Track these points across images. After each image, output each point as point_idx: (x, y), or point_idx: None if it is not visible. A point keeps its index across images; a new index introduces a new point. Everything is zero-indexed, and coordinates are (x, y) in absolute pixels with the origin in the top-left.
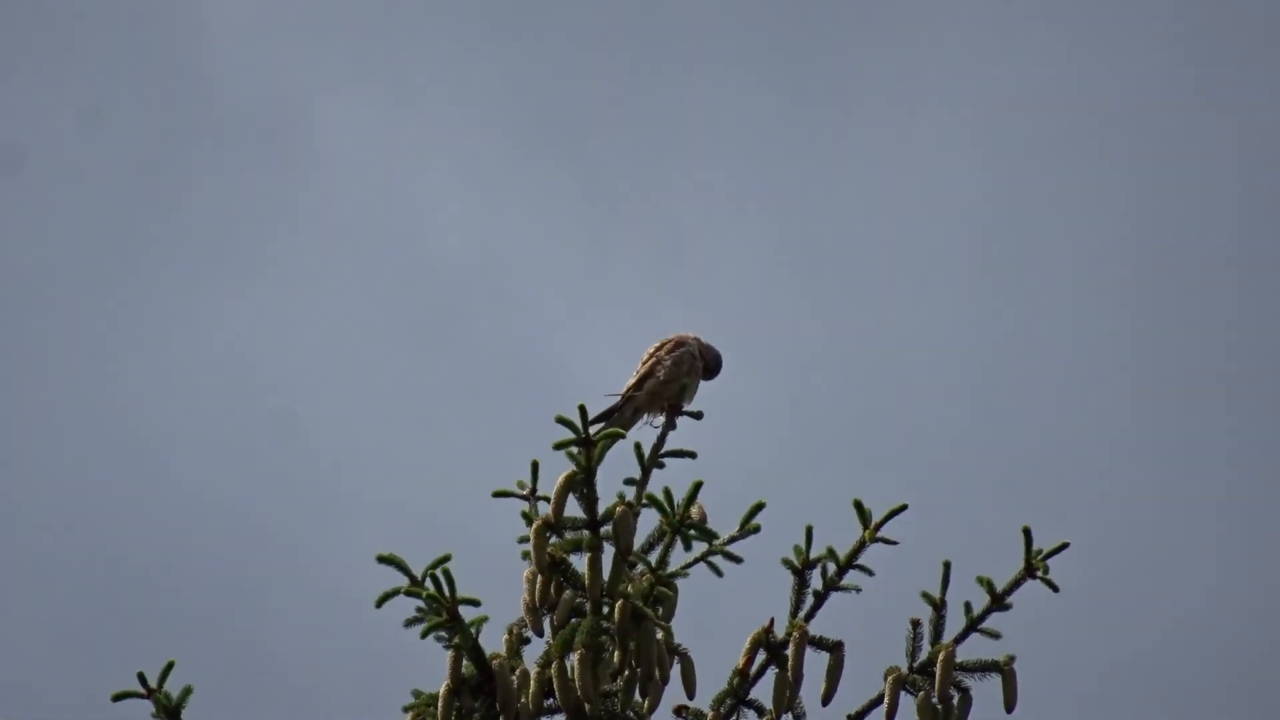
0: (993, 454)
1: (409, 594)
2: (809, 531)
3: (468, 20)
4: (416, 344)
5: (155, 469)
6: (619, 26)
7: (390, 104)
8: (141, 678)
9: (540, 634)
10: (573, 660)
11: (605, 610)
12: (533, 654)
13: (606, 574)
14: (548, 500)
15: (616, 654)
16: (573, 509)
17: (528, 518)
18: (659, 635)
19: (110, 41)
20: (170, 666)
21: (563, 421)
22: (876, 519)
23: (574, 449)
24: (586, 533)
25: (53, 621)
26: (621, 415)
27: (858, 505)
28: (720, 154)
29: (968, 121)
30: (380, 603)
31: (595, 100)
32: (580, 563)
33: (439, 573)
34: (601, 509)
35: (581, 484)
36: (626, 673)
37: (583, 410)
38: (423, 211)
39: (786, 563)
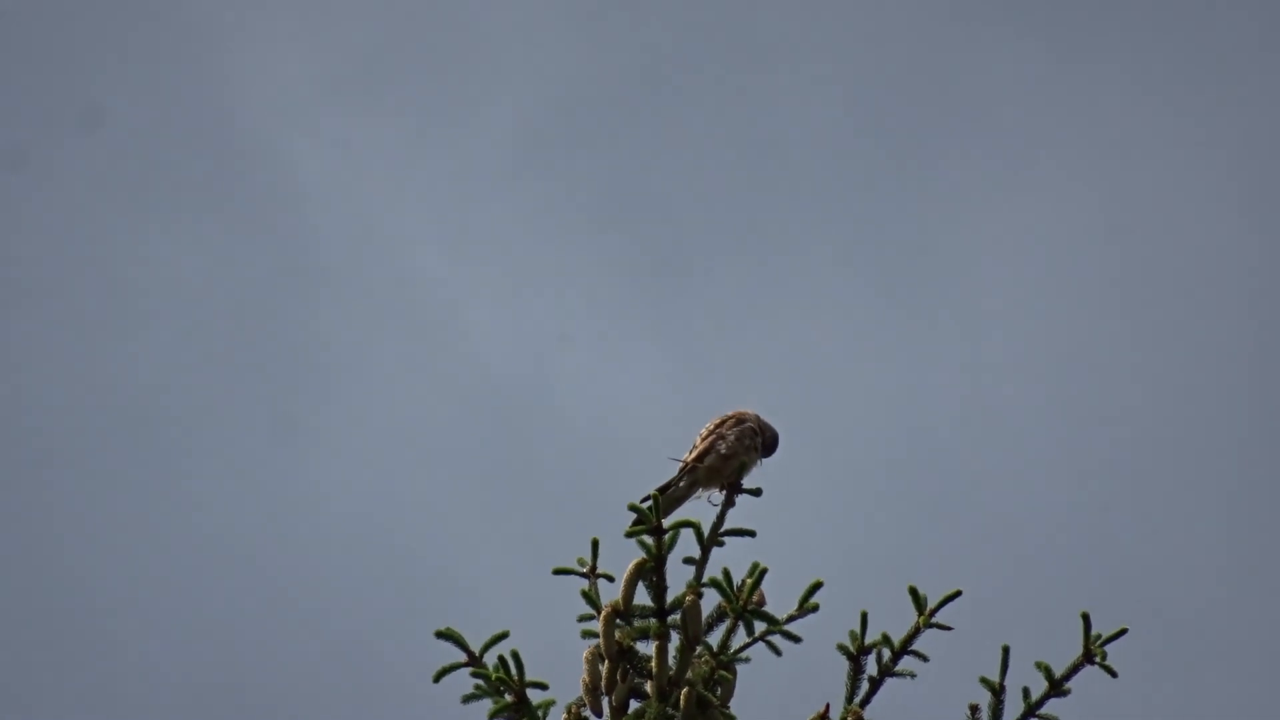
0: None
1: (475, 674)
2: (864, 617)
3: (563, 154)
4: (532, 488)
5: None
6: (714, 154)
7: (484, 249)
8: None
9: (599, 714)
10: None
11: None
12: None
13: (673, 661)
14: (608, 578)
15: None
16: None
17: (588, 596)
18: None
19: (220, 203)
20: None
21: (635, 509)
22: (931, 605)
23: (645, 538)
24: (654, 621)
25: None
26: (678, 489)
27: (913, 591)
28: (823, 288)
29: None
30: (439, 677)
31: (699, 232)
32: (645, 647)
33: (507, 654)
34: (669, 596)
35: (651, 572)
36: None
37: (656, 499)
38: (526, 355)
39: (842, 648)
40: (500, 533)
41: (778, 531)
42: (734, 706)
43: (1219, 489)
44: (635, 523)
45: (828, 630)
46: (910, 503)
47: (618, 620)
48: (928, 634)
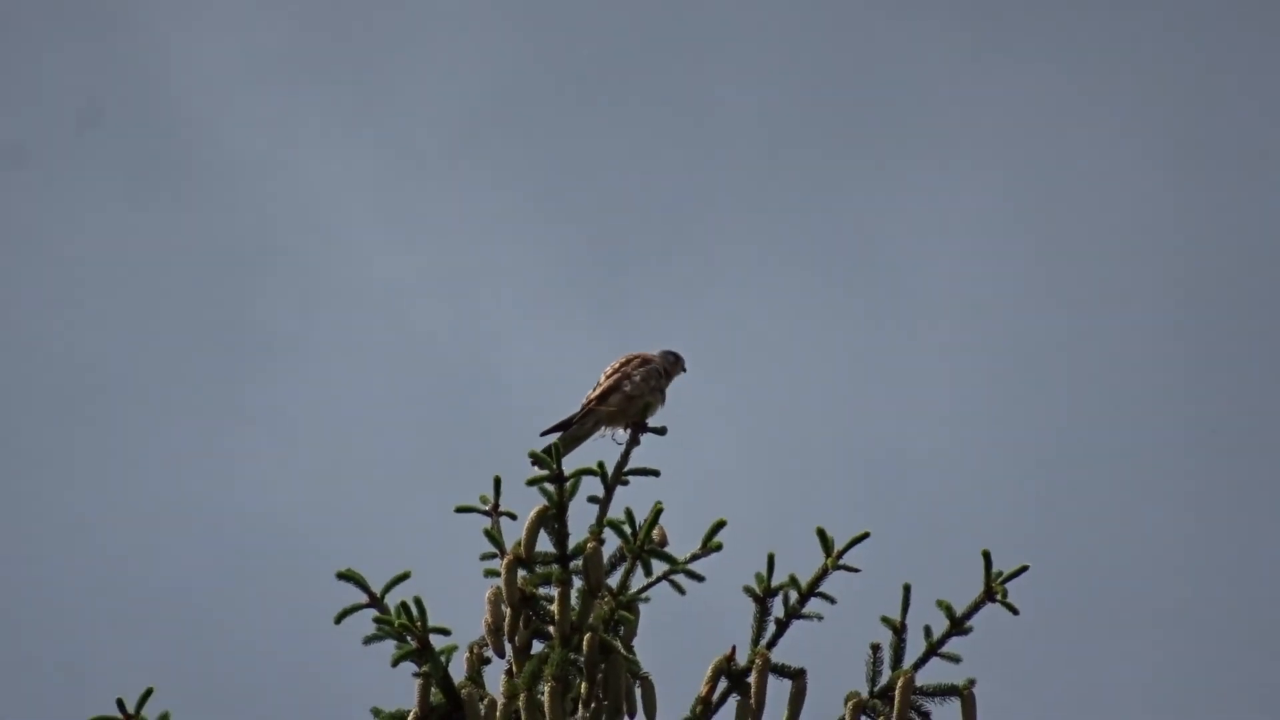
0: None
1: (379, 621)
2: (770, 559)
3: (505, 138)
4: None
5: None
6: (656, 145)
7: (425, 230)
8: (120, 704)
9: (502, 655)
10: (541, 691)
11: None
12: (491, 674)
13: (575, 607)
14: (511, 516)
15: (584, 686)
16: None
17: (491, 535)
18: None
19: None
20: (149, 693)
21: (536, 457)
22: (839, 546)
23: (547, 485)
24: (557, 567)
25: None
26: (581, 426)
27: (820, 533)
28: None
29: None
30: (340, 618)
31: (640, 220)
32: (549, 591)
33: (410, 601)
34: (571, 542)
35: (553, 519)
36: (593, 704)
37: (556, 446)
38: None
39: (748, 590)
40: (441, 506)
41: (708, 479)
42: (642, 649)
43: (1154, 467)
44: (532, 462)
45: (743, 575)
46: (840, 469)
47: (520, 568)
48: (843, 578)
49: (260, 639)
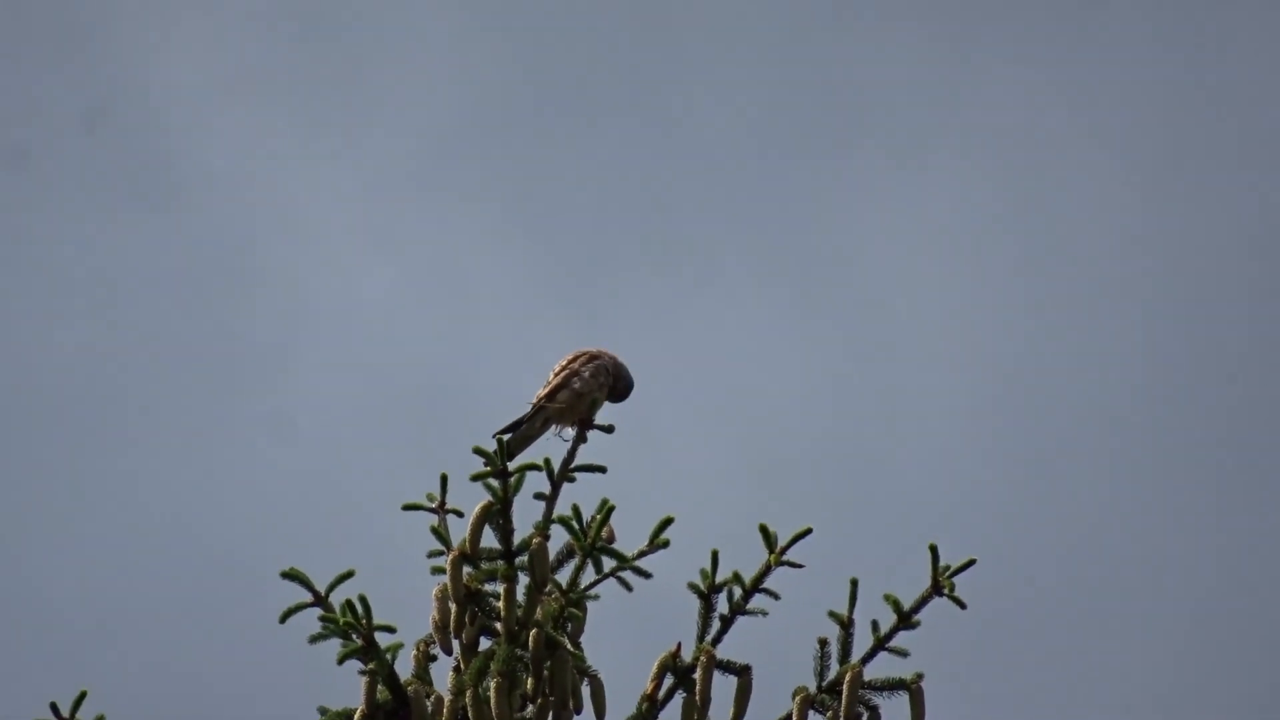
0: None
1: (324, 620)
2: (714, 556)
3: (479, 154)
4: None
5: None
6: (622, 152)
7: (401, 244)
8: (54, 707)
9: (449, 653)
10: (488, 687)
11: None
12: (439, 670)
13: (521, 603)
14: (458, 514)
15: (530, 682)
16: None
17: (438, 533)
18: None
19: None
20: (83, 696)
21: (480, 453)
22: (782, 543)
23: (491, 480)
24: (502, 563)
25: None
26: (531, 425)
27: (763, 529)
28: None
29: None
30: (285, 618)
31: (609, 228)
32: (495, 588)
33: (355, 599)
34: (516, 538)
35: (498, 515)
36: (540, 700)
37: (501, 443)
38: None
39: (693, 586)
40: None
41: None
42: (587, 644)
43: (1118, 463)
44: (479, 455)
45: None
46: (819, 472)
47: (465, 563)
48: (808, 576)
49: (255, 643)
